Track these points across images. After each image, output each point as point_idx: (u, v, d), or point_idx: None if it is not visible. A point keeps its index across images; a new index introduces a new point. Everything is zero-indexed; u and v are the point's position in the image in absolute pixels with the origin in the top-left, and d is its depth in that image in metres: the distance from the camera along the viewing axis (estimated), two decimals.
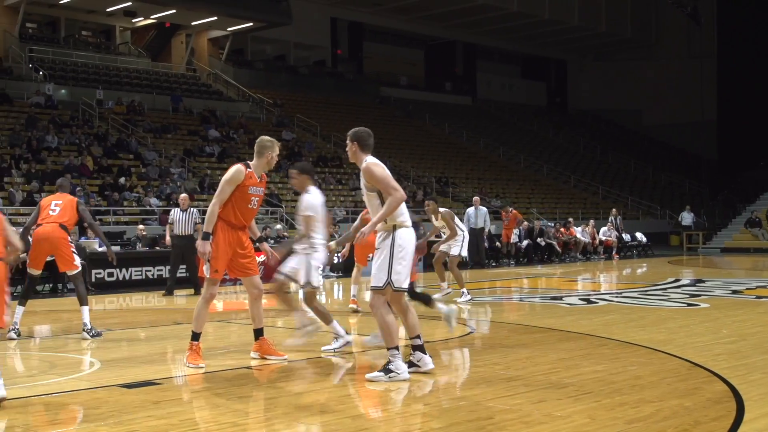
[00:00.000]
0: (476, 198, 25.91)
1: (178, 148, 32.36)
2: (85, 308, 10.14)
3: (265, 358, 8.40)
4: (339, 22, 50.49)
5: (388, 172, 7.42)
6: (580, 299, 15.02)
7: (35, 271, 10.39)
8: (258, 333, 8.47)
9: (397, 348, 7.33)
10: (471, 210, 24.35)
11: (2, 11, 36.33)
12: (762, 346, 9.22)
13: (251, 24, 41.49)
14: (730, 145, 50.78)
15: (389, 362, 7.30)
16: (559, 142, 53.29)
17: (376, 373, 7.31)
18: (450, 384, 7.51)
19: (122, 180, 27.22)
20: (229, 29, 42.39)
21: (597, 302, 14.41)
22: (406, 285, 7.46)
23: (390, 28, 51.56)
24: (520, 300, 16.14)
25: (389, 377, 7.25)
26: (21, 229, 10.19)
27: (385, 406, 6.66)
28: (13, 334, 10.03)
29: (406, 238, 7.41)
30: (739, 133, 48.71)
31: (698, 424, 5.75)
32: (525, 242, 28.18)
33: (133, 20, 41.42)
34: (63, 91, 34.94)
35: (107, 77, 37.67)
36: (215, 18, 40.14)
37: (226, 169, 8.99)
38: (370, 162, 7.41)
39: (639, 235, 33.89)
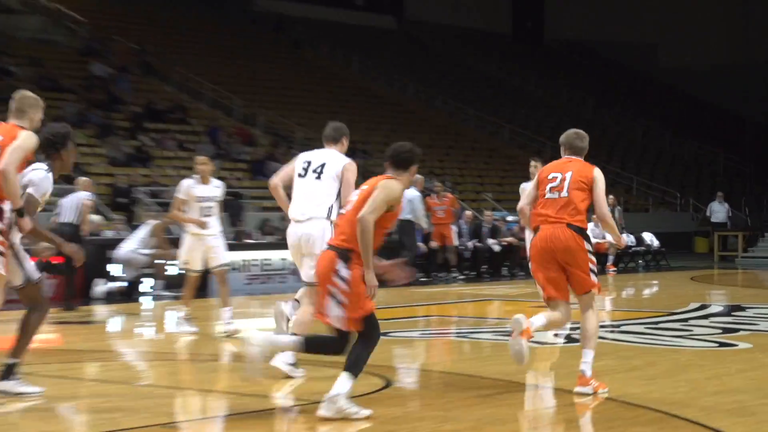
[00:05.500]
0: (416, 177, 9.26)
1: None
2: None
3: None
4: None
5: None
6: (554, 335, 7.10)
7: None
8: None
9: None
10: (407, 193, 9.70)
11: None
12: None
13: None
14: None
15: None
16: (529, 90, 28.38)
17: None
18: None
19: None
20: None
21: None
22: None
23: None
24: (459, 336, 7.86)
25: None
26: None
27: None
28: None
29: None
30: None
31: None
32: (470, 243, 13.80)
33: None
34: None
35: None
36: None
37: None
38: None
39: (648, 237, 17.14)
